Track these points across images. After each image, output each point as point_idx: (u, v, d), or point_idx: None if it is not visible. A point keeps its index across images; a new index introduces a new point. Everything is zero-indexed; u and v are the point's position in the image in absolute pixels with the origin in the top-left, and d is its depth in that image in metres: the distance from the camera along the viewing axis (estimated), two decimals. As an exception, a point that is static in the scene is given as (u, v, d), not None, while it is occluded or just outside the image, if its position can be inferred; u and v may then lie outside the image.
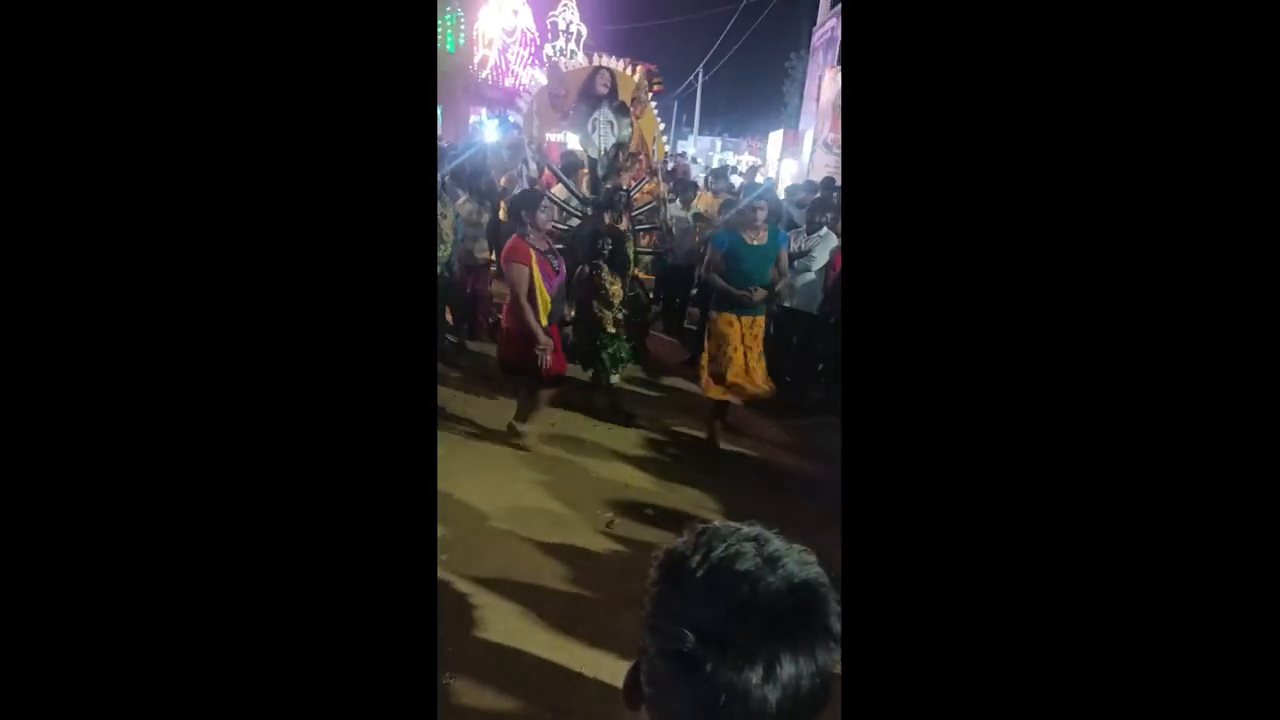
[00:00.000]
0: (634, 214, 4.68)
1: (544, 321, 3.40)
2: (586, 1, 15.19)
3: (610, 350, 4.02)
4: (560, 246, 3.95)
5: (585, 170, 5.03)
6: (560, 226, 4.71)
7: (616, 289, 4.06)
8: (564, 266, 3.64)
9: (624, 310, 4.11)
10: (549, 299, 3.43)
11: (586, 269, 4.04)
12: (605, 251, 4.03)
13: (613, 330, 4.02)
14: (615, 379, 4.14)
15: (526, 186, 4.84)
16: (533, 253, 3.33)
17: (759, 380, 3.90)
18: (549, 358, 3.39)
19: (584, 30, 14.88)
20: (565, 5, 14.65)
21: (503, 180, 5.42)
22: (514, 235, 3.43)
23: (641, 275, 4.83)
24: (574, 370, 3.98)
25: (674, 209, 5.32)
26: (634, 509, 3.23)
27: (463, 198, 4.90)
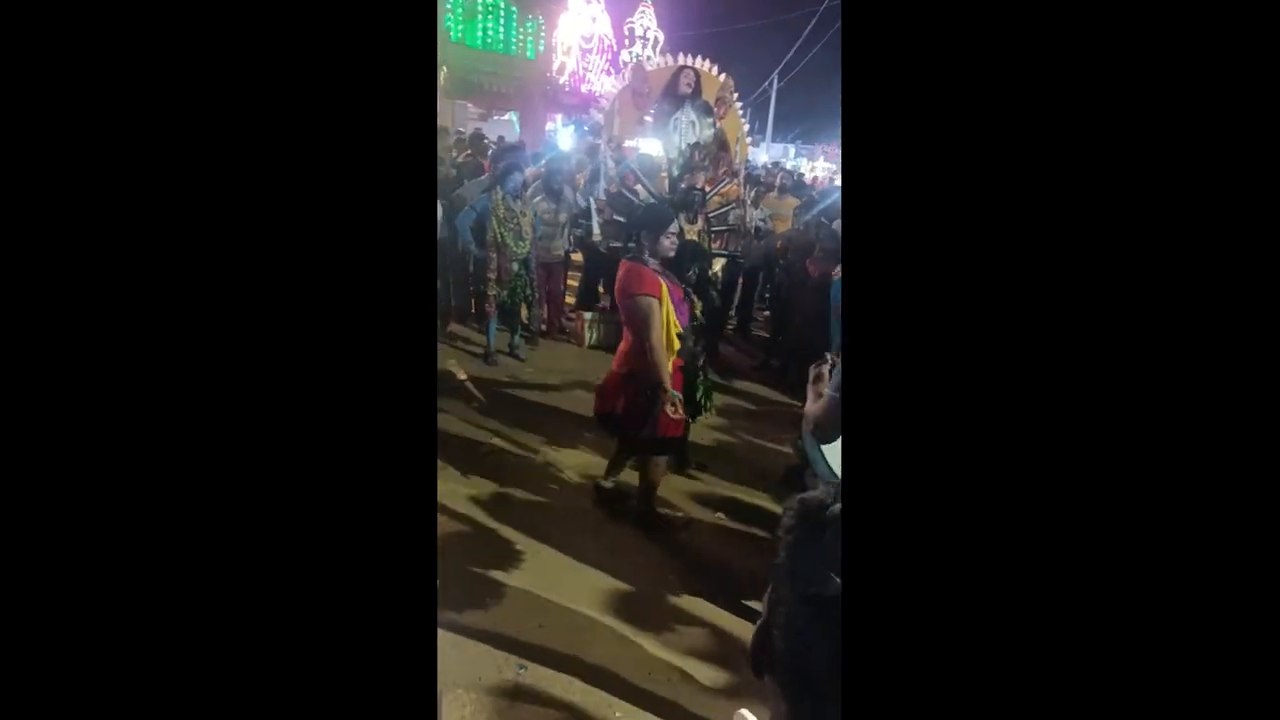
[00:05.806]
0: (710, 214, 4.61)
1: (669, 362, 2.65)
2: (663, 7, 15.25)
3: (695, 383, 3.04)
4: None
5: (664, 173, 4.99)
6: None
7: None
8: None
9: (698, 338, 3.14)
10: (678, 334, 2.71)
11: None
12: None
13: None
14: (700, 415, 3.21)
15: (605, 186, 4.83)
16: (662, 282, 2.63)
17: None
18: (675, 409, 2.68)
19: (661, 36, 14.95)
20: (643, 11, 14.75)
21: (578, 179, 5.48)
22: (628, 261, 2.69)
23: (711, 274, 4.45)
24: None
25: (752, 212, 5.23)
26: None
27: (539, 197, 4.96)
